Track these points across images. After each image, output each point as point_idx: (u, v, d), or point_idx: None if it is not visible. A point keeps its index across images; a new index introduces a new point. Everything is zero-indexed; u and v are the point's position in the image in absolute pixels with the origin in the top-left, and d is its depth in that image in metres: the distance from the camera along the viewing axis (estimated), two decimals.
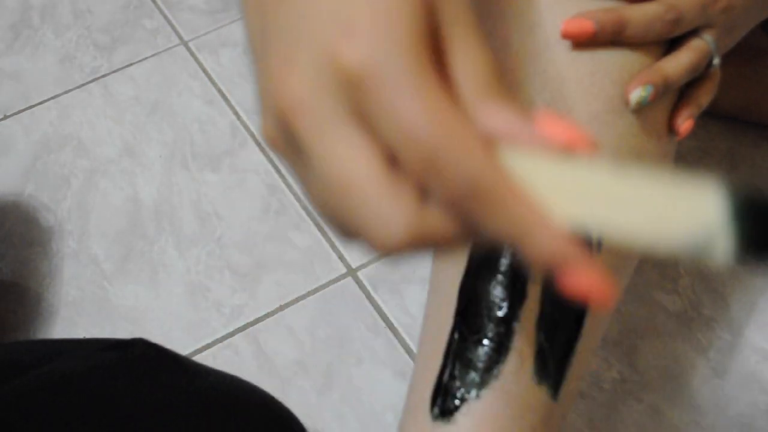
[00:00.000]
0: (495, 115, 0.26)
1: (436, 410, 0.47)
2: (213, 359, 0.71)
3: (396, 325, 0.71)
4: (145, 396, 0.43)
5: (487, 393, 0.47)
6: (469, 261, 0.49)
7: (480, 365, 0.47)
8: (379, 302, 0.73)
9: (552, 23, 0.49)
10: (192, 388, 0.45)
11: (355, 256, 0.76)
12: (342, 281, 0.75)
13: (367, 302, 0.73)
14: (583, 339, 0.49)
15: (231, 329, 0.73)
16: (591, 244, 0.47)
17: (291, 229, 0.79)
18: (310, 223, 0.79)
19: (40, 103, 0.92)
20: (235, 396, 0.47)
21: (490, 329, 0.47)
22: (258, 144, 0.86)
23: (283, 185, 0.82)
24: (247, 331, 0.72)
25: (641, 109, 0.49)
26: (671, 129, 0.51)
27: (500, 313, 0.48)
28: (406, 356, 0.69)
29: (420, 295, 0.73)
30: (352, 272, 0.75)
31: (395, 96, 0.25)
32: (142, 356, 0.47)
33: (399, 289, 0.73)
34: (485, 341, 0.47)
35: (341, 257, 0.76)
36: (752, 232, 0.23)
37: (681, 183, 0.24)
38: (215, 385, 0.46)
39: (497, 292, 0.48)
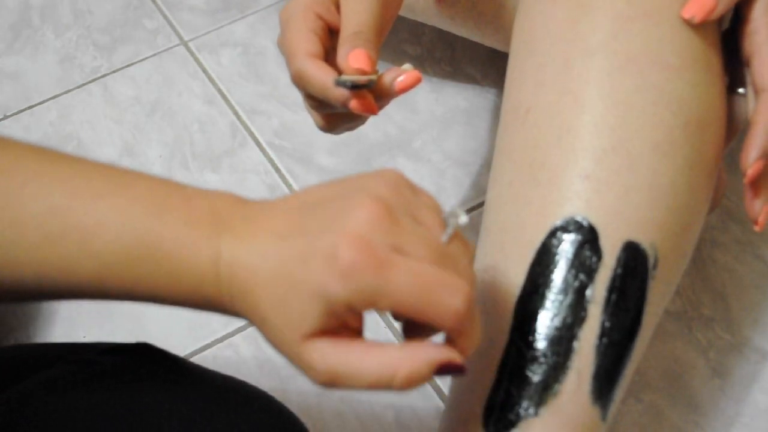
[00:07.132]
0: (342, 53, 0.49)
1: (492, 427, 0.47)
2: (213, 359, 0.71)
3: (395, 324, 0.71)
4: (146, 401, 0.43)
5: (545, 411, 0.46)
6: (528, 277, 0.49)
7: (538, 384, 0.47)
8: None
9: (618, 48, 0.49)
10: (193, 392, 0.45)
11: None
12: None
13: None
14: (631, 361, 0.49)
15: (231, 329, 0.73)
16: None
17: None
18: None
19: (40, 103, 0.92)
20: (235, 397, 0.46)
21: (549, 348, 0.47)
22: (258, 144, 0.86)
23: (283, 185, 0.82)
24: (247, 331, 0.72)
25: (696, 144, 0.49)
26: (750, 218, 0.51)
27: (560, 333, 0.47)
28: None
29: None
30: None
31: (286, 31, 0.50)
32: (143, 361, 0.47)
33: None
34: (543, 359, 0.47)
35: None
36: None
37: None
38: (216, 388, 0.46)
39: (558, 311, 0.47)
